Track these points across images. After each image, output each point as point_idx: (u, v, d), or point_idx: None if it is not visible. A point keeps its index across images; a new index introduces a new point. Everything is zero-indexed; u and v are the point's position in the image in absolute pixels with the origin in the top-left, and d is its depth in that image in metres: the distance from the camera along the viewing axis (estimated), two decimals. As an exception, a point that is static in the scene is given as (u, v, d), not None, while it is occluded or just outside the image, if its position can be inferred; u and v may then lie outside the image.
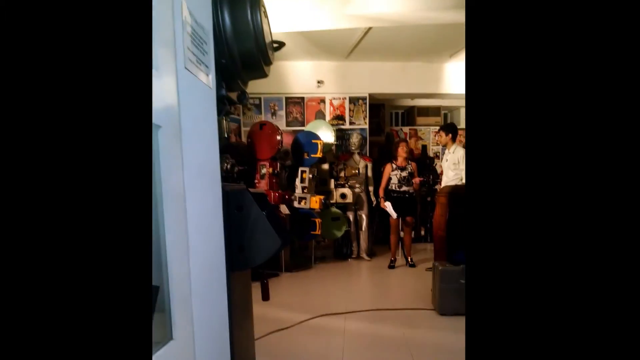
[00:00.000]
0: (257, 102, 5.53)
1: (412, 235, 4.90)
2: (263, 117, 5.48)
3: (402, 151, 4.75)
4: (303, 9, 3.62)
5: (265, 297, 1.68)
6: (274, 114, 5.57)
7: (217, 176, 1.25)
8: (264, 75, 1.64)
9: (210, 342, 1.14)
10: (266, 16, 1.54)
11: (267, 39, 1.57)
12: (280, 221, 1.74)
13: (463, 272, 2.91)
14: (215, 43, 1.26)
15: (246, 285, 1.73)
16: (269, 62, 1.61)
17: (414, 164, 4.84)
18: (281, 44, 1.77)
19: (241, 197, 1.44)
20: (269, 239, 1.45)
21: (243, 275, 1.63)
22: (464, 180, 4.30)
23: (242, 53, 1.46)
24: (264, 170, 4.33)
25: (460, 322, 2.78)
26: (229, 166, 1.60)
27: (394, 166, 4.77)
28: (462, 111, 7.02)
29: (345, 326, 2.87)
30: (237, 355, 1.42)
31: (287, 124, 5.56)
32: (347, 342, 2.60)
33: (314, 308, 3.24)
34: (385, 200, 4.74)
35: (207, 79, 1.15)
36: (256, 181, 4.33)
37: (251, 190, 1.53)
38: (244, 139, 5.15)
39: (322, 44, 4.82)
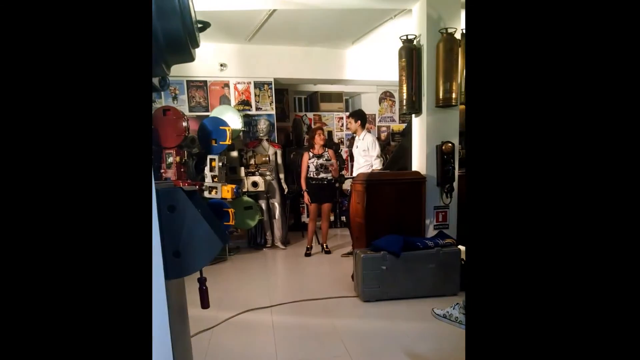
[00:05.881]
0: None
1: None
2: (164, 102, 5.05)
3: (319, 139, 4.73)
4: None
5: (205, 304, 1.52)
6: (175, 98, 5.17)
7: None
8: (190, 58, 1.45)
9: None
10: None
11: (193, 18, 1.40)
12: (216, 218, 1.59)
13: (384, 259, 3.00)
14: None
15: (181, 290, 1.57)
16: (196, 44, 1.44)
17: (331, 150, 4.82)
18: (206, 25, 1.59)
19: (173, 196, 1.27)
20: (209, 242, 1.30)
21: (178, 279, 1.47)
22: (374, 167, 4.43)
23: (167, 33, 1.27)
24: (170, 159, 4.02)
25: (384, 308, 2.89)
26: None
27: (311, 154, 4.75)
28: (363, 97, 7.22)
29: (272, 320, 2.80)
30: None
31: (190, 109, 5.21)
32: (277, 336, 2.54)
33: (237, 303, 3.11)
34: (307, 192, 4.74)
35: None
36: (162, 171, 4.01)
37: (184, 187, 1.36)
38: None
39: (223, 26, 4.56)
